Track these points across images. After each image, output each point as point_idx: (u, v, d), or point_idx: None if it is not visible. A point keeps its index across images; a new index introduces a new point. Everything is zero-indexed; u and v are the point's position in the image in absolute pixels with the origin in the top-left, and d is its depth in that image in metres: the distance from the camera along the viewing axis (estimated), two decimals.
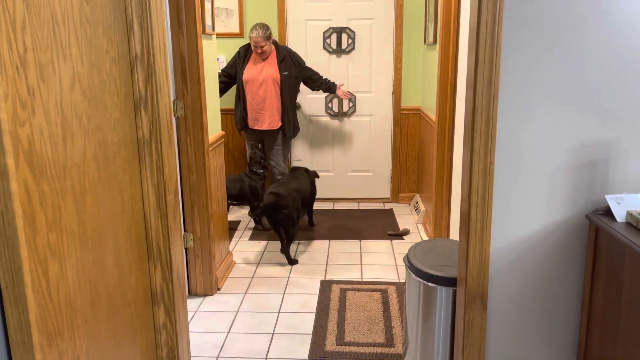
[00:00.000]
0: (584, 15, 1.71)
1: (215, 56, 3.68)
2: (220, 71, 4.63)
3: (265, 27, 4.45)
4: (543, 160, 1.80)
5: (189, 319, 3.20)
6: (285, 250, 3.98)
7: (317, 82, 4.76)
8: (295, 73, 4.66)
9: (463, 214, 1.89)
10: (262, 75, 4.58)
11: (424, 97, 5.06)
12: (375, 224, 4.82)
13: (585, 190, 1.81)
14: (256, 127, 4.71)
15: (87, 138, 1.49)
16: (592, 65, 1.74)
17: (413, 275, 2.25)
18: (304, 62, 4.76)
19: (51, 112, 1.32)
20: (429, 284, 2.17)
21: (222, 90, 4.60)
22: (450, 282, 2.13)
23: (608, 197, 1.71)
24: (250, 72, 4.60)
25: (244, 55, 4.65)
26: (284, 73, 4.59)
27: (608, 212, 1.72)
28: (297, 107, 5.22)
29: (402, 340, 2.63)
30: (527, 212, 1.84)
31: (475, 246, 1.84)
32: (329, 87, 4.79)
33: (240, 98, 4.67)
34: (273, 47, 4.59)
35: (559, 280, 1.89)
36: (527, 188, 1.83)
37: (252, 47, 4.52)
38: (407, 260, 2.31)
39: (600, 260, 1.71)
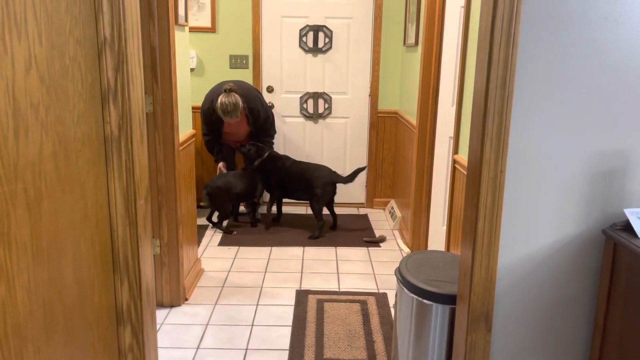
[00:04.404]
0: (605, 14, 1.57)
1: (187, 49, 3.43)
2: (206, 140, 4.65)
3: (236, 108, 4.21)
4: (557, 169, 1.65)
5: None
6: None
7: (266, 134, 4.65)
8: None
9: (468, 226, 1.73)
10: (236, 132, 4.60)
11: (401, 100, 4.93)
12: (350, 230, 4.64)
13: (600, 203, 1.67)
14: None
15: (44, 132, 1.25)
16: (614, 68, 1.60)
17: (406, 290, 2.07)
18: (267, 117, 4.58)
19: (0, 100, 1.08)
20: (424, 300, 2.00)
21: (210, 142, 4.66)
22: (447, 299, 1.97)
23: (627, 211, 1.58)
24: (227, 130, 4.58)
25: (217, 120, 4.42)
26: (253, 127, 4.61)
27: (627, 227, 1.58)
28: (270, 106, 5.04)
29: (391, 358, 2.45)
30: (537, 225, 1.69)
31: (481, 262, 1.68)
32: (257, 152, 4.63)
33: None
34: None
35: (570, 300, 1.74)
36: (538, 199, 1.68)
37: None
38: (400, 273, 2.13)
39: (619, 279, 1.57)
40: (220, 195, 4.46)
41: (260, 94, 4.65)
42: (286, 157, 4.63)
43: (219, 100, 4.20)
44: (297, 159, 5.16)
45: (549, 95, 1.61)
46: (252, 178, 4.57)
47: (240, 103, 4.23)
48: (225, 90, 4.22)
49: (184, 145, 3.31)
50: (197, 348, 2.81)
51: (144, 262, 1.75)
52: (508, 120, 1.59)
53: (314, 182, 4.43)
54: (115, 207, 1.65)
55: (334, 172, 4.55)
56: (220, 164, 4.70)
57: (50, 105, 1.28)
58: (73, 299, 1.42)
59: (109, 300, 1.65)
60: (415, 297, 2.03)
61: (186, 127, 3.45)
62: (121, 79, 1.58)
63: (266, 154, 4.53)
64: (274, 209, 4.85)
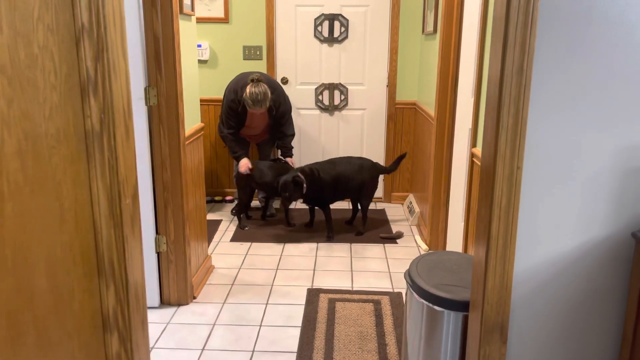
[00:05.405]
0: None
1: (194, 40, 3.32)
2: (229, 133, 4.35)
3: (266, 98, 4.04)
4: (582, 166, 1.48)
5: (159, 332, 2.86)
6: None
7: (282, 136, 4.46)
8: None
9: (482, 228, 1.57)
10: (258, 125, 4.45)
11: (420, 90, 4.74)
12: (366, 226, 4.49)
13: (631, 203, 1.50)
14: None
15: (6, 129, 1.14)
16: None
17: (416, 295, 1.93)
18: (285, 111, 4.40)
19: None
20: (435, 307, 1.85)
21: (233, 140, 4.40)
22: (460, 305, 1.82)
23: None
24: (249, 123, 4.40)
25: (243, 111, 4.23)
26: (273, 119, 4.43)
27: None
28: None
29: None
30: (559, 227, 1.52)
31: (495, 267, 1.52)
32: (284, 150, 4.47)
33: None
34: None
35: (595, 310, 1.57)
36: (559, 198, 1.51)
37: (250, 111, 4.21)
38: (409, 277, 1.98)
39: None
40: (240, 179, 4.33)
41: (282, 87, 4.51)
42: (320, 165, 4.17)
43: (247, 90, 4.06)
44: (313, 152, 5.04)
45: (573, 81, 1.44)
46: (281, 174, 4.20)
47: (269, 93, 4.11)
48: (252, 80, 4.10)
49: (191, 139, 3.20)
50: (203, 349, 2.71)
51: (131, 265, 1.64)
52: (525, 111, 1.42)
53: (365, 178, 4.19)
54: (99, 207, 1.54)
55: (376, 162, 4.34)
56: (245, 161, 4.26)
57: (14, 98, 1.17)
58: (47, 309, 1.32)
59: (92, 307, 1.55)
60: (426, 302, 1.88)
61: (194, 120, 3.34)
62: (102, 69, 1.46)
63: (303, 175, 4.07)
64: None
